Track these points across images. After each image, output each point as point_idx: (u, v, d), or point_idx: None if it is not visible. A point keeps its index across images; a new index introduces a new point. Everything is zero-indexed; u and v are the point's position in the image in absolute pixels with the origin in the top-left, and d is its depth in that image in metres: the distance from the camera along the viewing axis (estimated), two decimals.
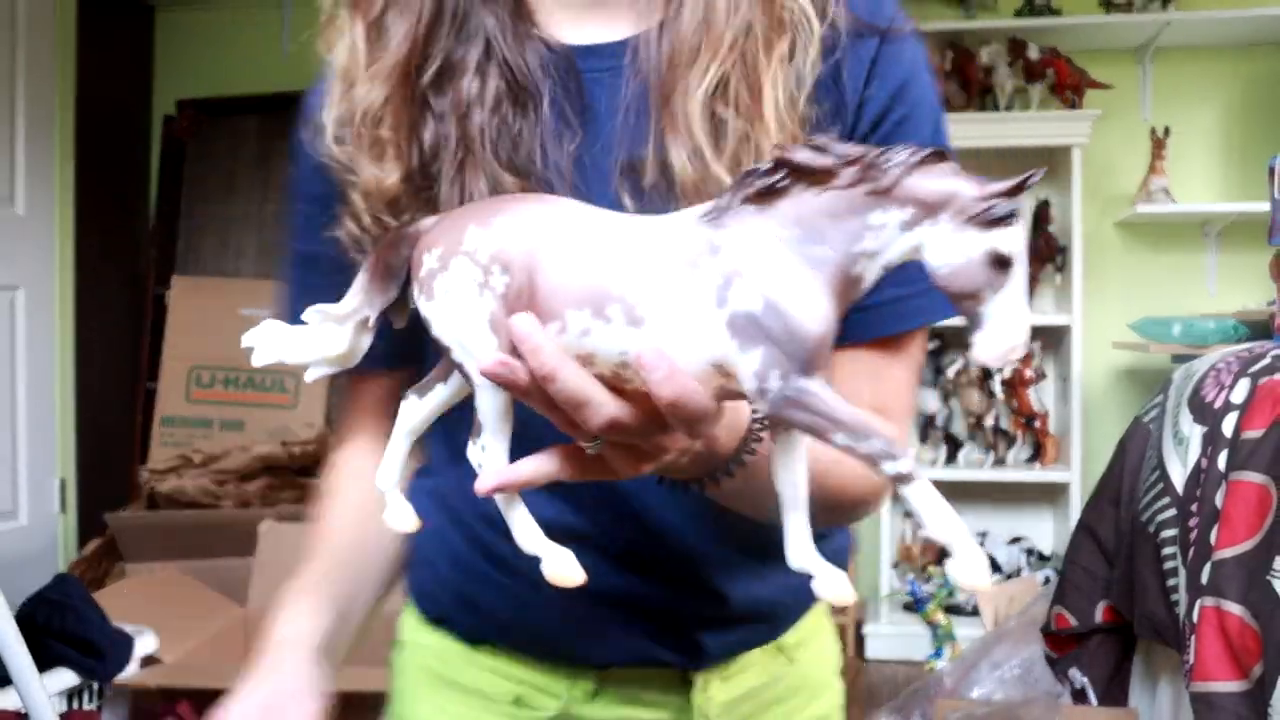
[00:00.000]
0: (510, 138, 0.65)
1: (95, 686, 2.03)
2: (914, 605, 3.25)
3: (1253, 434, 1.39)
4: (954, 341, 3.47)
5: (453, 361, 0.50)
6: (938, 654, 3.09)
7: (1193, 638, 1.36)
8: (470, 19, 0.67)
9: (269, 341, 0.54)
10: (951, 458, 3.38)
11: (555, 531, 0.53)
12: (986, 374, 3.40)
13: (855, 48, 0.67)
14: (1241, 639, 1.30)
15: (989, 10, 3.43)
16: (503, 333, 0.47)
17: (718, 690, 0.76)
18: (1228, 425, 1.45)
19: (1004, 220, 0.40)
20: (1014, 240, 0.40)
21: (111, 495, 3.21)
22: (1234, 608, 1.32)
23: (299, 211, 0.77)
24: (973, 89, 3.35)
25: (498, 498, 0.50)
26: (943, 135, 0.72)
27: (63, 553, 3.31)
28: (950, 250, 0.41)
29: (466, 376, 0.49)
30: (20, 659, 1.02)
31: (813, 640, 0.82)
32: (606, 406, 0.46)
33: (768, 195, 0.44)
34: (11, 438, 3.17)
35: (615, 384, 0.47)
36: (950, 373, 3.41)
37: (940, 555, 3.43)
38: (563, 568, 0.50)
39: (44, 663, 1.73)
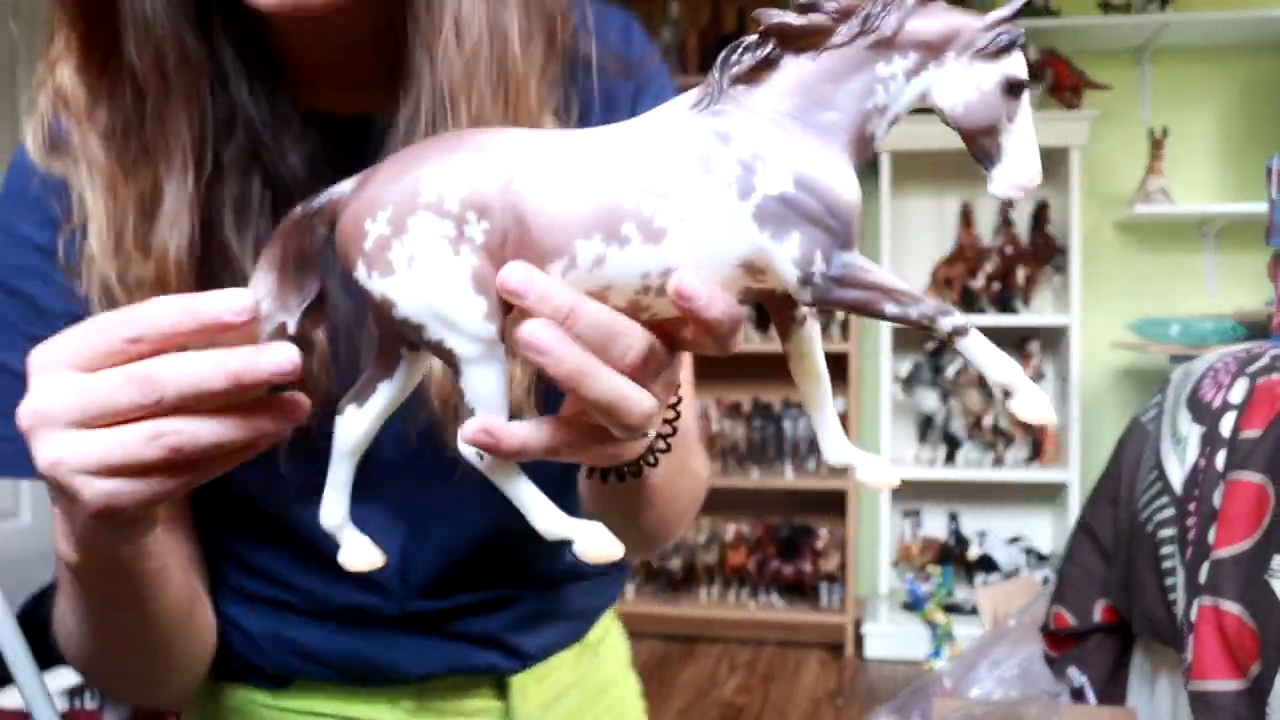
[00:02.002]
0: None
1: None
2: (913, 605, 3.26)
3: (1251, 434, 1.39)
4: None
5: (421, 345, 0.41)
6: (937, 653, 3.10)
7: (1191, 637, 1.37)
8: (229, 104, 0.57)
9: None
10: (950, 457, 3.39)
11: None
12: None
13: (615, 94, 0.63)
14: (1239, 638, 1.30)
15: (988, 11, 3.43)
16: (491, 291, 0.40)
17: (534, 692, 0.76)
18: (1226, 425, 1.46)
19: (1010, 48, 0.40)
20: (1023, 66, 0.40)
21: None
22: (1232, 607, 1.32)
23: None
24: None
25: (501, 480, 0.43)
26: None
27: None
28: (962, 87, 0.40)
29: (447, 356, 0.41)
30: (22, 657, 1.02)
31: (608, 636, 0.84)
32: (637, 333, 0.41)
33: (759, 70, 0.40)
34: None
35: (630, 314, 0.41)
36: (950, 373, 3.42)
37: (942, 554, 3.44)
38: (598, 543, 0.43)
39: (45, 661, 1.74)
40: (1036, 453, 3.35)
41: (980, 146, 0.40)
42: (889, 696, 2.42)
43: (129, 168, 0.55)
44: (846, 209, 0.40)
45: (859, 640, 3.30)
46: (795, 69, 0.40)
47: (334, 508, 0.45)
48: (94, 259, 0.55)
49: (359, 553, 0.46)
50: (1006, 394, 0.40)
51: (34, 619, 2.04)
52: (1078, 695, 1.83)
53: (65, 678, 1.96)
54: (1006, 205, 3.44)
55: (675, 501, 0.68)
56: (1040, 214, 3.39)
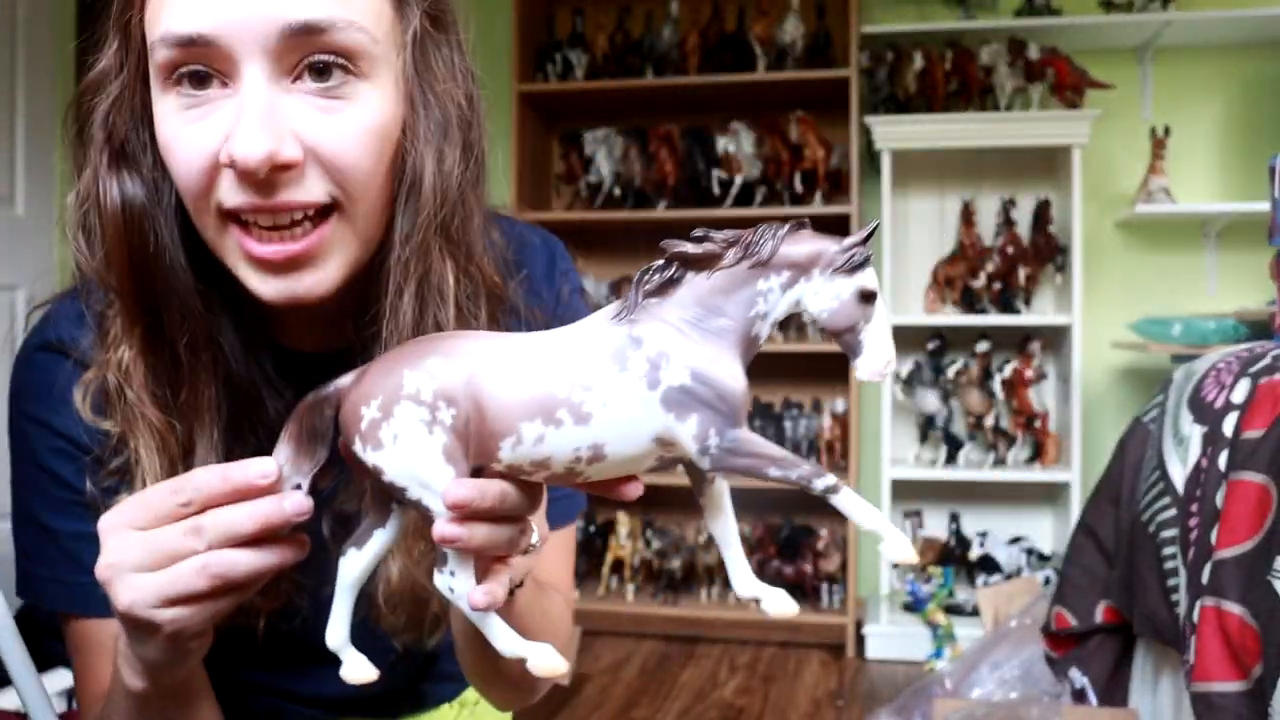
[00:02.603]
0: None
1: None
2: (914, 605, 3.25)
3: (1253, 434, 1.39)
4: (954, 341, 3.47)
5: (404, 503, 0.52)
6: (938, 654, 3.09)
7: (1193, 638, 1.36)
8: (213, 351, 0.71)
9: None
10: (951, 458, 3.38)
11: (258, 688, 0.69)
12: (986, 374, 3.40)
13: (534, 305, 0.78)
14: (1241, 639, 1.30)
15: (989, 10, 3.43)
16: (457, 462, 0.50)
17: None
18: (1228, 425, 1.45)
19: (864, 265, 0.49)
20: (873, 279, 0.49)
21: None
22: (1234, 608, 1.31)
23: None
24: (973, 89, 3.34)
25: (476, 615, 0.53)
26: None
27: None
28: (826, 297, 0.49)
29: (424, 511, 0.51)
30: (20, 659, 1.02)
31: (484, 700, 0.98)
32: (530, 496, 0.53)
33: (665, 287, 0.50)
34: None
35: (568, 480, 0.52)
36: (950, 373, 3.41)
37: (943, 555, 3.43)
38: (548, 661, 0.53)
39: (44, 663, 1.74)
40: (1038, 453, 3.34)
41: (844, 342, 0.50)
42: (890, 697, 2.41)
43: (173, 424, 0.70)
44: (733, 396, 0.49)
45: (860, 641, 3.29)
46: (694, 285, 0.50)
47: (338, 631, 0.55)
48: None
49: (357, 670, 0.56)
50: (876, 541, 0.49)
51: (32, 619, 2.04)
52: (1079, 696, 1.83)
53: (64, 678, 1.95)
54: (1008, 204, 3.43)
55: (539, 634, 0.76)
56: (1041, 213, 3.38)
